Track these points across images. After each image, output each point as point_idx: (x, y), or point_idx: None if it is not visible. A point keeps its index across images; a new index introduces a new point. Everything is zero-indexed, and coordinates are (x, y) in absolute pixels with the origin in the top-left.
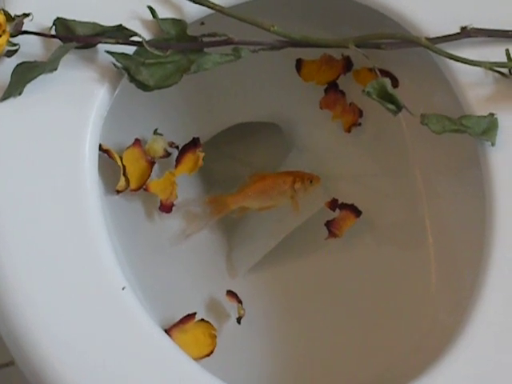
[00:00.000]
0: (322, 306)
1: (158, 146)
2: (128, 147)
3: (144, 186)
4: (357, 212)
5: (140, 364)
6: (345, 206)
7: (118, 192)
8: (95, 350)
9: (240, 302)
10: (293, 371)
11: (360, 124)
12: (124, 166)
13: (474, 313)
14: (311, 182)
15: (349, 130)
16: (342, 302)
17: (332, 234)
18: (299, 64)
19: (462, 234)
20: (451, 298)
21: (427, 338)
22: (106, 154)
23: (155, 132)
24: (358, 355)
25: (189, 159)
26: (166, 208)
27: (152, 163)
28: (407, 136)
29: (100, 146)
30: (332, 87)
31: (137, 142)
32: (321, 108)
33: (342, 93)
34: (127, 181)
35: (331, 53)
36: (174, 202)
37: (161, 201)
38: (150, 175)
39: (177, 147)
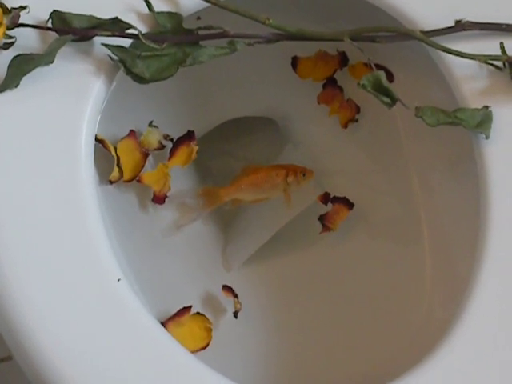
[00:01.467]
0: (316, 300)
1: (152, 138)
2: (123, 138)
3: (137, 178)
4: (349, 204)
5: (136, 356)
6: (337, 200)
7: (111, 182)
8: (91, 342)
9: (236, 296)
10: (288, 364)
11: (357, 120)
12: (118, 157)
13: (469, 307)
14: (304, 175)
15: (345, 126)
16: (336, 296)
17: (326, 227)
18: (295, 61)
19: (456, 229)
20: (446, 292)
21: (422, 332)
22: (100, 144)
23: (150, 124)
24: (353, 349)
25: (183, 152)
26: (159, 199)
27: (146, 155)
28: (402, 131)
29: (95, 135)
30: (330, 82)
31: (132, 133)
32: (318, 103)
33: (340, 88)
34: (121, 171)
35: (326, 48)
36: (167, 194)
37: (154, 192)
38: (143, 167)
39: (171, 140)
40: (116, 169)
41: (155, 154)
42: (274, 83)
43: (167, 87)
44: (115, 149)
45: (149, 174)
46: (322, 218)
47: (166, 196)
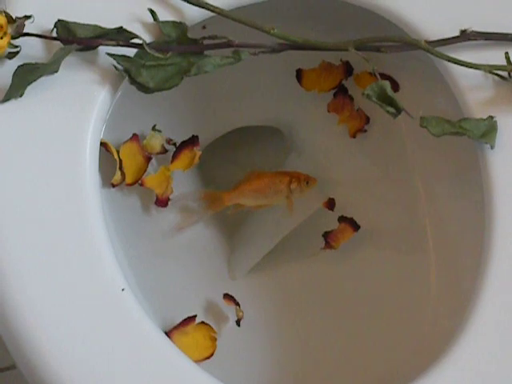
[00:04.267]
0: (321, 309)
1: (155, 142)
2: (125, 142)
3: (139, 181)
4: (355, 226)
5: (141, 366)
6: (344, 219)
7: (113, 186)
8: (95, 352)
9: (237, 304)
10: (292, 373)
11: (366, 130)
12: (120, 160)
13: (474, 317)
14: (307, 183)
15: (354, 136)
16: (341, 305)
17: (328, 245)
18: (299, 74)
19: (462, 238)
20: (451, 302)
21: (427, 342)
22: (103, 147)
23: (154, 128)
24: (357, 358)
25: (185, 156)
26: (162, 202)
27: (149, 159)
28: (407, 141)
29: None
30: (341, 91)
31: (135, 136)
32: (328, 111)
33: (351, 98)
34: (123, 175)
35: (330, 59)
36: (170, 197)
37: (157, 195)
38: (146, 171)
39: (174, 144)
40: (118, 172)
41: (158, 158)
42: (279, 93)
43: (173, 96)
44: (118, 152)
45: (151, 178)
46: (326, 236)
47: (168, 199)
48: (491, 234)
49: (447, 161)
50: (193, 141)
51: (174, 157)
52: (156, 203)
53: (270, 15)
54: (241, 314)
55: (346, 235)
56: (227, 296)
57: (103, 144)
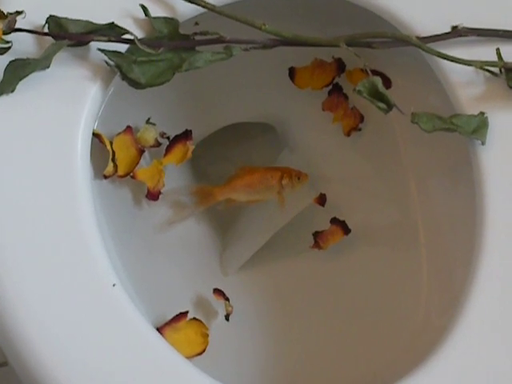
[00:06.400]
0: (312, 305)
1: (149, 136)
2: (119, 133)
3: (131, 174)
4: (346, 229)
5: (132, 362)
6: (336, 221)
7: (106, 177)
8: (86, 348)
9: (227, 299)
10: (283, 369)
11: (360, 129)
12: (113, 152)
13: (465, 313)
14: (299, 178)
15: (349, 134)
16: (333, 301)
17: (317, 244)
18: (292, 72)
19: (453, 235)
20: (443, 299)
21: (419, 339)
22: (96, 139)
23: (148, 121)
24: (349, 354)
25: (179, 150)
26: (153, 196)
27: (141, 151)
28: (399, 137)
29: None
30: (335, 90)
31: (128, 129)
32: (323, 109)
33: (346, 96)
34: (115, 167)
35: (322, 56)
36: (162, 191)
37: (148, 188)
38: (138, 163)
39: (168, 138)
40: (111, 164)
41: (151, 151)
42: (272, 89)
43: (167, 92)
44: (111, 144)
45: (143, 171)
46: (316, 235)
47: (159, 192)
48: (483, 230)
49: (439, 158)
50: (186, 135)
51: (167, 151)
52: (147, 196)
53: (262, 11)
54: (230, 308)
55: (336, 237)
56: (217, 291)
57: (96, 135)
